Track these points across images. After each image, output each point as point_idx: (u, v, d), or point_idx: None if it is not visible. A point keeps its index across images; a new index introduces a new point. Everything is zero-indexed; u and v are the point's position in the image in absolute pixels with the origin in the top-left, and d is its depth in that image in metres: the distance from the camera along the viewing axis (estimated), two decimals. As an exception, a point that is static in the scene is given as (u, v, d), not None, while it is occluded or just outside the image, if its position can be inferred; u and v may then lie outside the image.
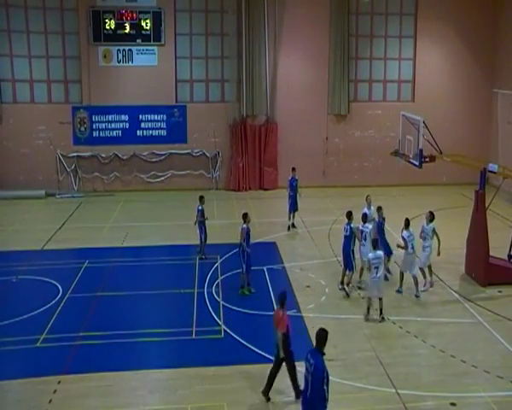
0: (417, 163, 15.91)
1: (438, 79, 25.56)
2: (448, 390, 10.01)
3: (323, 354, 7.97)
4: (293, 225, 19.10)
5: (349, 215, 14.24)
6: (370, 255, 12.69)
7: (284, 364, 9.87)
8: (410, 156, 16.55)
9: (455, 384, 10.21)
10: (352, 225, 14.17)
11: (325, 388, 7.68)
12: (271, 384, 9.91)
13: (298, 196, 19.01)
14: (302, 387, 8.38)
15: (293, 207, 19.04)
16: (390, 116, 24.05)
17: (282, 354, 9.80)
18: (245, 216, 14.17)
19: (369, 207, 15.47)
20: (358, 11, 25.08)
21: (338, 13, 24.68)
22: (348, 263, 14.05)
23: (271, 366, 10.03)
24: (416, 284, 13.89)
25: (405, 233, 14.00)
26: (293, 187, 19.04)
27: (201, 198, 16.54)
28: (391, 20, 25.40)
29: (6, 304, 13.65)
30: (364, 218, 14.51)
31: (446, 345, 11.53)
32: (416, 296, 13.80)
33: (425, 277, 14.29)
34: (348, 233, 14.12)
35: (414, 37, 25.48)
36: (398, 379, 10.30)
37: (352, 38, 25.16)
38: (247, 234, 13.92)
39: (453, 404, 9.64)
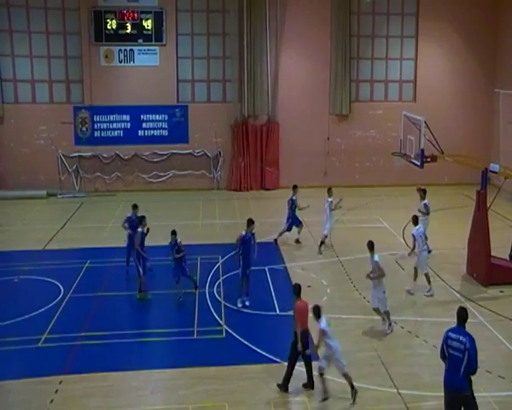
0: (419, 163, 15.91)
1: (439, 78, 25.54)
2: (449, 390, 9.98)
3: None
4: (298, 241, 17.78)
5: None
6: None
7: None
8: (412, 156, 16.55)
9: (456, 384, 10.19)
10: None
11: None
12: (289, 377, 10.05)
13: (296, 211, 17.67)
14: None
15: (294, 223, 17.70)
16: (391, 116, 24.04)
17: (299, 348, 9.93)
18: (141, 220, 14.06)
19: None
20: (360, 11, 25.08)
21: (339, 13, 24.68)
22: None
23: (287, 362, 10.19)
24: (429, 282, 13.90)
25: (414, 230, 14.05)
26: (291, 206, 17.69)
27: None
28: (392, 20, 25.39)
29: (8, 304, 13.67)
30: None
31: (448, 345, 11.50)
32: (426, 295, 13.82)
33: (415, 279, 14.12)
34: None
35: (415, 37, 25.47)
36: (400, 379, 10.30)
37: (354, 37, 25.15)
38: (140, 238, 13.84)
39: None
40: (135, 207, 15.58)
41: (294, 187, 18.12)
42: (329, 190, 17.46)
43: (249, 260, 13.44)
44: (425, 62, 25.47)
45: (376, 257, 12.12)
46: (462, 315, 8.36)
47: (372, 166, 25.57)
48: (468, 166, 16.63)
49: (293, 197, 17.77)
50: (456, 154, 16.94)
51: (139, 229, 13.98)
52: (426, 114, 16.32)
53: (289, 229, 17.75)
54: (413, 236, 14.10)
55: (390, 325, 12.06)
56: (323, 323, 10.09)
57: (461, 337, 8.13)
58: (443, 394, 8.52)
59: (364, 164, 25.57)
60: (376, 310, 12.20)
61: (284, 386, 10.07)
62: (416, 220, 14.37)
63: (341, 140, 25.48)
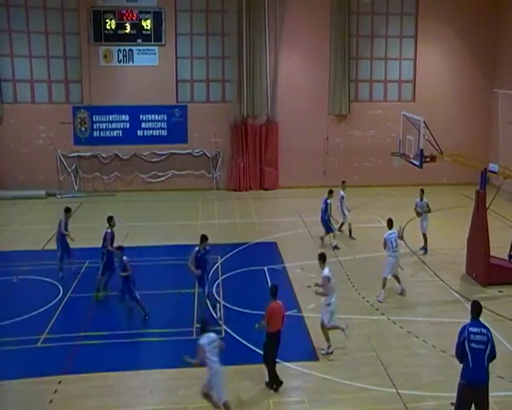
0: (418, 163, 15.91)
1: (438, 78, 25.56)
2: (448, 390, 9.93)
3: None
4: (336, 247, 17.39)
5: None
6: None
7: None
8: (411, 156, 16.56)
9: (455, 384, 10.12)
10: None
11: None
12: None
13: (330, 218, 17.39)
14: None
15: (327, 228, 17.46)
16: (390, 116, 24.05)
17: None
18: (109, 220, 14.14)
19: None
20: (359, 11, 25.09)
21: (338, 13, 24.68)
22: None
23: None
24: (383, 286, 13.76)
25: (386, 234, 13.92)
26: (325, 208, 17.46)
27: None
28: (391, 20, 25.40)
29: (7, 304, 13.65)
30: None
31: (447, 345, 11.47)
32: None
33: (384, 286, 13.91)
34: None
35: (414, 37, 25.49)
36: (399, 379, 10.31)
37: (353, 37, 25.16)
38: (107, 239, 13.95)
39: (453, 404, 9.62)
40: (67, 210, 15.62)
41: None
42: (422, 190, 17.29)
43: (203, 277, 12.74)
44: (424, 62, 25.49)
45: (326, 271, 11.42)
46: (477, 309, 8.58)
47: (371, 167, 25.58)
48: (467, 166, 16.64)
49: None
50: (455, 154, 16.94)
51: (108, 230, 14.11)
52: (425, 114, 16.35)
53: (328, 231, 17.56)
54: (385, 239, 13.83)
55: (329, 347, 11.25)
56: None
57: (482, 330, 8.41)
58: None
59: (363, 164, 25.58)
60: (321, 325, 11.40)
61: (272, 386, 10.11)
62: (390, 224, 14.12)
63: (340, 140, 25.49)
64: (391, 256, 13.85)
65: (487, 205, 14.60)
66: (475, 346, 8.31)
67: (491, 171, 14.65)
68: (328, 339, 11.28)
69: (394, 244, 13.86)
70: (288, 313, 12.89)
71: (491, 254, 14.59)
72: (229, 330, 12.16)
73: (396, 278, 14.06)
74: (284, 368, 10.71)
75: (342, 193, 18.10)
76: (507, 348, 11.55)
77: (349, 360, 11.03)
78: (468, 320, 8.16)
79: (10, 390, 10.21)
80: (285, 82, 24.90)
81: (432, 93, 25.28)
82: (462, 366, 8.32)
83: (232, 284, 14.68)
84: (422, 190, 17.14)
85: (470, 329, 8.40)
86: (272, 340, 10.05)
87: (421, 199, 17.02)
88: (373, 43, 25.47)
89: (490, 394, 9.87)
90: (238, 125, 24.84)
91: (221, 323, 12.53)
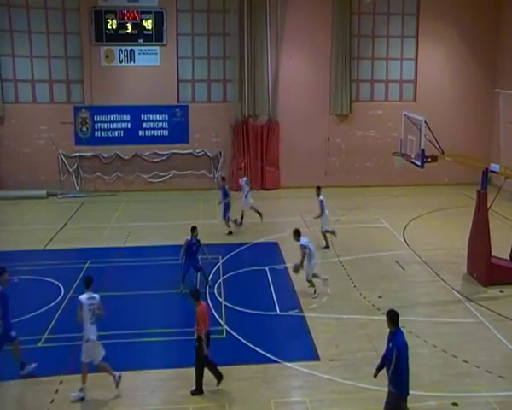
0: (419, 163, 15.90)
1: (440, 78, 25.54)
2: (450, 390, 9.99)
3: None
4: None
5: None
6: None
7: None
8: (412, 156, 16.54)
9: (456, 384, 10.20)
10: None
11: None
12: (214, 372, 10.13)
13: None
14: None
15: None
16: (392, 116, 24.04)
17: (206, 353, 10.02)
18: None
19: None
20: (360, 11, 25.09)
21: (340, 13, 24.68)
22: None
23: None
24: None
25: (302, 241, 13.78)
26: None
27: None
28: (393, 20, 25.38)
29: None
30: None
31: (448, 345, 11.52)
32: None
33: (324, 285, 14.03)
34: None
35: (416, 37, 25.47)
36: (400, 379, 10.27)
37: (354, 37, 25.15)
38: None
39: (455, 404, 9.63)
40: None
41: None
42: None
43: (193, 263, 14.12)
44: (425, 62, 25.47)
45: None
46: (397, 316, 8.49)
47: (372, 167, 25.57)
48: (469, 166, 16.63)
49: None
50: (456, 154, 16.92)
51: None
52: (426, 114, 16.30)
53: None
54: (304, 247, 13.65)
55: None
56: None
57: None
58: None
59: (365, 164, 25.57)
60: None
61: (198, 391, 10.05)
62: (297, 234, 13.91)
63: (341, 140, 25.48)
64: (311, 262, 13.69)
65: (488, 205, 14.59)
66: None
67: (492, 171, 14.63)
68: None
69: (311, 249, 13.79)
70: (290, 313, 13.01)
71: (493, 254, 14.58)
72: (230, 330, 12.16)
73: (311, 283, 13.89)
74: (285, 368, 10.71)
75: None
76: (508, 347, 11.52)
77: (350, 360, 11.02)
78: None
79: (11, 390, 10.20)
80: (286, 82, 24.90)
81: (433, 93, 25.27)
82: (400, 379, 8.17)
83: (233, 285, 14.66)
84: (319, 188, 17.51)
85: (405, 338, 8.31)
86: (204, 341, 10.02)
87: (319, 195, 17.32)
88: (374, 43, 25.46)
89: (491, 393, 9.93)
90: (239, 125, 24.84)
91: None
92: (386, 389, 8.65)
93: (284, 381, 10.47)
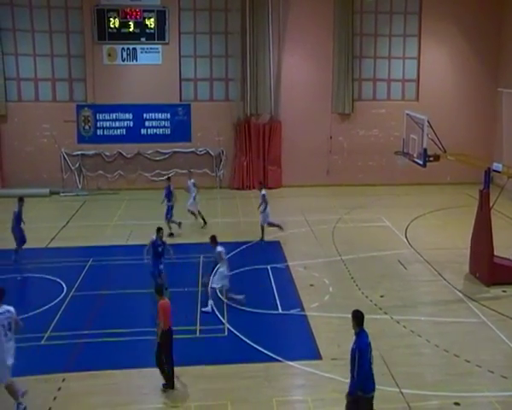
0: (421, 162, 15.89)
1: (442, 78, 25.51)
2: (452, 390, 9.99)
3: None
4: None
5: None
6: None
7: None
8: (415, 155, 16.54)
9: (459, 384, 10.20)
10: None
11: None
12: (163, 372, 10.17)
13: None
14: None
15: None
16: (394, 115, 24.02)
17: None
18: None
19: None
20: (363, 10, 25.08)
21: (342, 11, 24.67)
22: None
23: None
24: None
25: (219, 248, 13.40)
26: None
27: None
28: (395, 19, 25.35)
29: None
30: None
31: (450, 345, 11.52)
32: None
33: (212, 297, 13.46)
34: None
35: (418, 36, 25.45)
36: (402, 378, 10.29)
37: (357, 36, 25.14)
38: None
39: (457, 404, 9.63)
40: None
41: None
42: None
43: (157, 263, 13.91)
44: (428, 61, 25.45)
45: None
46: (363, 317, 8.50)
47: (375, 166, 25.55)
48: (471, 165, 16.61)
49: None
50: (458, 153, 16.90)
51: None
52: (429, 113, 16.30)
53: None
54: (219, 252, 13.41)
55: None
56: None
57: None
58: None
59: (367, 163, 25.56)
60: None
61: (170, 385, 10.15)
62: (214, 240, 13.55)
63: (344, 139, 25.47)
64: (221, 268, 13.35)
65: (491, 204, 14.57)
66: (372, 354, 8.30)
67: (494, 170, 14.62)
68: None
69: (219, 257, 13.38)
70: (291, 311, 13.02)
71: (495, 253, 14.56)
72: (232, 329, 12.17)
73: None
74: (287, 367, 10.72)
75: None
76: (510, 347, 11.52)
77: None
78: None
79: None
80: (288, 81, 24.90)
81: (435, 92, 25.25)
82: (361, 378, 8.11)
83: (235, 283, 14.65)
84: (261, 183, 18.86)
85: (369, 339, 8.34)
86: (167, 338, 10.08)
87: (261, 189, 17.94)
88: (376, 42, 25.44)
89: (493, 393, 9.93)
90: (241, 123, 24.85)
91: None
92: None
93: (286, 380, 10.48)
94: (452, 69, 25.58)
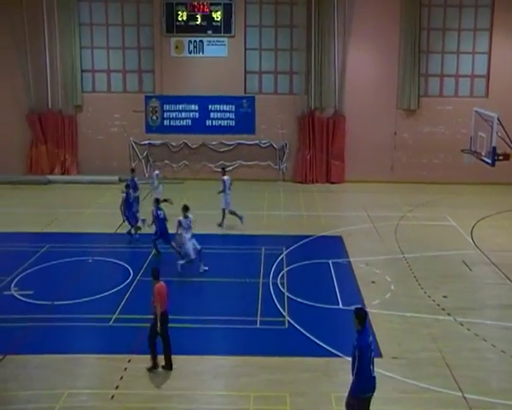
0: (490, 161, 15.43)
1: (515, 73, 24.52)
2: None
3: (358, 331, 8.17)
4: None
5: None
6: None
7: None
8: (483, 154, 16.07)
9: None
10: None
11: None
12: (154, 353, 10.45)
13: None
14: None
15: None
16: (461, 112, 23.38)
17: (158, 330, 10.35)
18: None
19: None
20: (431, 3, 24.50)
21: (409, 5, 24.17)
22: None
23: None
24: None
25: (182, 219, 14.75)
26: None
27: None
28: (465, 13, 24.58)
29: (82, 283, 14.37)
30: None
31: (518, 352, 11.17)
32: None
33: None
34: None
35: (490, 29, 24.55)
36: (465, 383, 10.06)
37: (424, 30, 24.57)
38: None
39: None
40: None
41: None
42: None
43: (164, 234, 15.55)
44: (500, 56, 24.51)
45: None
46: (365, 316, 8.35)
47: (440, 163, 24.95)
48: (544, 165, 15.97)
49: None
50: (531, 152, 16.28)
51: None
52: (499, 111, 15.75)
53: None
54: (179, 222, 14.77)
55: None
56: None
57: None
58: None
59: (432, 161, 24.99)
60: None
61: (154, 367, 10.41)
62: (186, 209, 15.02)
63: (409, 135, 25.00)
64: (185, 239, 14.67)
65: None
66: (372, 354, 8.12)
67: None
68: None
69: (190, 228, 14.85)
70: (352, 307, 12.95)
71: None
72: (292, 322, 12.28)
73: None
74: (347, 363, 10.61)
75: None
76: None
77: (413, 360, 10.91)
78: None
79: (85, 364, 10.74)
80: (353, 75, 24.65)
81: (507, 89, 24.29)
82: (360, 378, 7.97)
83: (297, 276, 14.78)
84: (224, 169, 19.37)
85: (370, 338, 8.19)
86: (164, 321, 10.28)
87: (224, 175, 18.57)
88: (444, 37, 24.76)
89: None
90: (305, 117, 24.84)
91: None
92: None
93: (345, 375, 10.36)
94: (526, 65, 24.53)
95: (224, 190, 18.31)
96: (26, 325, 12.01)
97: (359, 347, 8.01)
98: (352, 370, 8.10)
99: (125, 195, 17.47)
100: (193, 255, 14.69)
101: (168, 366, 10.50)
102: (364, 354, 7.99)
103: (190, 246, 14.70)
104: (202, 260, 14.87)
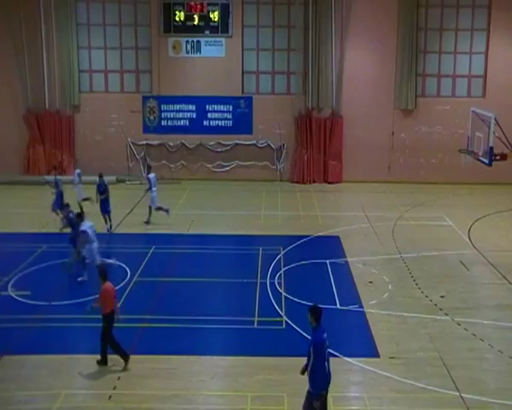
0: (487, 161, 15.45)
1: (511, 73, 24.54)
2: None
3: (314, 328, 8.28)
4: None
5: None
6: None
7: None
8: (480, 154, 16.09)
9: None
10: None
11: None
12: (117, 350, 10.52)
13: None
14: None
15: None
16: (459, 112, 23.45)
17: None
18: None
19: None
20: (428, 3, 24.53)
21: (407, 5, 24.21)
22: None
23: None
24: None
25: (87, 225, 14.30)
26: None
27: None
28: (462, 13, 24.62)
29: (77, 284, 14.32)
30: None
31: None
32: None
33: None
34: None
35: (487, 30, 24.60)
36: (462, 383, 10.08)
37: (421, 31, 24.60)
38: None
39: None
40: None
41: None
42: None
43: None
44: (496, 56, 24.57)
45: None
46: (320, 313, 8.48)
47: (437, 163, 25.00)
48: (541, 165, 16.01)
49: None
50: (528, 152, 16.31)
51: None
52: (496, 111, 15.78)
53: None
54: (84, 232, 14.18)
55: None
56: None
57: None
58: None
59: (430, 161, 25.04)
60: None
61: (124, 356, 10.53)
62: (81, 217, 14.64)
63: (406, 135, 25.04)
64: (91, 244, 14.20)
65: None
66: (328, 351, 8.21)
67: None
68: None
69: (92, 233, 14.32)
70: (350, 307, 13.02)
71: None
72: (290, 322, 12.28)
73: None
74: (345, 363, 10.74)
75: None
76: None
77: (411, 359, 10.92)
78: None
79: (82, 364, 10.70)
80: (350, 75, 24.68)
81: (504, 89, 24.35)
82: (314, 376, 8.06)
83: (294, 276, 14.78)
84: (149, 167, 20.07)
85: (325, 335, 8.24)
86: (108, 321, 10.37)
87: (149, 173, 19.00)
88: (442, 37, 24.79)
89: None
90: (303, 117, 24.86)
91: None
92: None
93: (343, 376, 10.47)
94: (523, 65, 24.58)
95: (150, 188, 18.63)
96: (24, 326, 12.00)
97: (314, 343, 8.11)
98: (307, 366, 8.16)
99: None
100: (98, 260, 14.27)
101: (103, 361, 10.59)
102: (319, 351, 8.07)
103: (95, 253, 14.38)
104: (86, 270, 14.41)
